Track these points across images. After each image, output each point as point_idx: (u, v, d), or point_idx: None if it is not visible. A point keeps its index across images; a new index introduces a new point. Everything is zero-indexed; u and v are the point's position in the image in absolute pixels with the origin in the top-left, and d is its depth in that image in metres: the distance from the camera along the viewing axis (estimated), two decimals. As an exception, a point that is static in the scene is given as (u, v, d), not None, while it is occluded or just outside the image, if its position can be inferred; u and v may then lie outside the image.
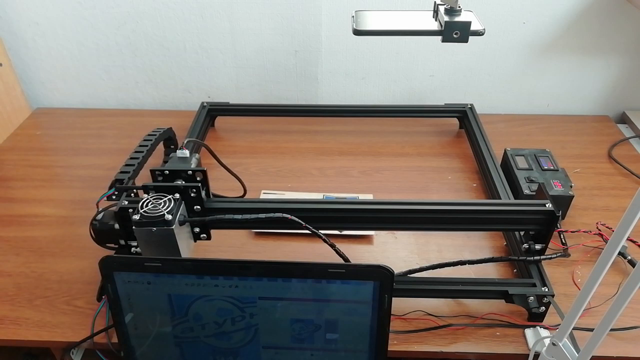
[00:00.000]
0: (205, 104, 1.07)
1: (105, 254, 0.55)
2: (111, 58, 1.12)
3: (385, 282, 0.53)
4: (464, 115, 1.05)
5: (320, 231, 0.60)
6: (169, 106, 1.19)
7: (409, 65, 1.12)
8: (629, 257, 0.73)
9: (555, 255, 0.67)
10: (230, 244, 0.78)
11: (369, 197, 0.87)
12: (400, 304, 0.67)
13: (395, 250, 0.78)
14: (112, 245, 0.66)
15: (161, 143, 0.87)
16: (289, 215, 0.61)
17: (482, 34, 0.65)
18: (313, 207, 0.65)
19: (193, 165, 0.65)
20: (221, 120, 1.10)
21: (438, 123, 1.09)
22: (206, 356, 0.60)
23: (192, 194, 0.62)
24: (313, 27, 1.06)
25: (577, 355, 0.51)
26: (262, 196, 0.87)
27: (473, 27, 0.65)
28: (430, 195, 0.89)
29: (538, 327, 0.65)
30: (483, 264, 0.67)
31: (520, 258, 0.69)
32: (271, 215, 0.61)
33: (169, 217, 0.58)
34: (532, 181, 0.81)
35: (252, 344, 0.58)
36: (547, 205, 0.64)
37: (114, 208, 0.64)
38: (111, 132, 1.08)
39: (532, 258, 0.67)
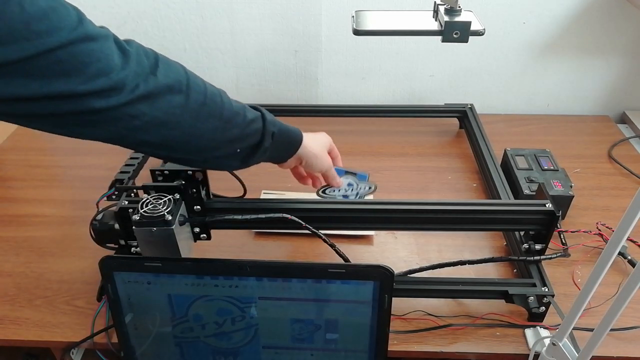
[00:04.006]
0: (205, 104, 1.07)
1: (105, 254, 0.55)
2: (111, 58, 1.12)
3: (385, 282, 0.53)
4: (464, 115, 1.05)
5: (320, 231, 0.60)
6: (169, 106, 1.19)
7: (409, 65, 1.12)
8: (629, 257, 0.73)
9: (555, 255, 0.67)
10: (230, 244, 0.78)
11: (369, 197, 0.87)
12: (400, 304, 0.67)
13: (395, 250, 0.78)
14: (112, 245, 0.66)
15: (161, 143, 0.87)
16: (289, 215, 0.61)
17: (482, 34, 0.65)
18: (313, 207, 0.65)
19: (193, 165, 0.65)
20: (221, 120, 1.09)
21: (438, 123, 1.09)
22: (206, 356, 0.60)
23: (192, 194, 0.62)
24: (313, 27, 1.06)
25: (577, 355, 0.51)
26: (262, 196, 0.87)
27: (473, 27, 0.65)
28: (430, 195, 0.89)
29: (538, 327, 0.65)
30: (483, 264, 0.67)
31: (520, 258, 0.69)
32: (271, 215, 0.61)
33: (169, 217, 0.58)
34: (532, 181, 0.81)
35: (252, 344, 0.58)
36: (547, 205, 0.64)
37: (114, 208, 0.64)
38: (111, 132, 1.08)
39: (532, 258, 0.67)
